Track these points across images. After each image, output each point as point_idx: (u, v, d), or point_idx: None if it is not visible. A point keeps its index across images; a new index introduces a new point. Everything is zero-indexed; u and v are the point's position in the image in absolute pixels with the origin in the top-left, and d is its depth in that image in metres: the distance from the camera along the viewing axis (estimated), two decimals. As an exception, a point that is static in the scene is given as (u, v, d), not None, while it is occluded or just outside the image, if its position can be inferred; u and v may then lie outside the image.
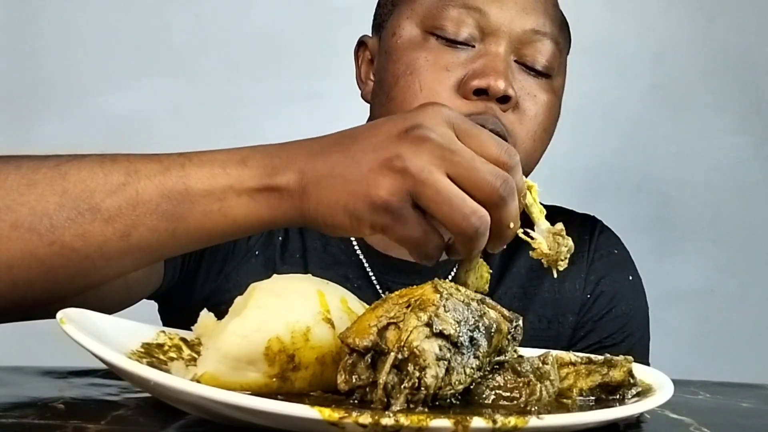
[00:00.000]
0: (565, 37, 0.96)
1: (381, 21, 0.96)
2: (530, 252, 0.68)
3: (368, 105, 0.98)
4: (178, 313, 0.73)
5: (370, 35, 0.99)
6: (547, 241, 0.67)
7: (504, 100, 0.86)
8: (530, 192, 0.67)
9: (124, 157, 0.65)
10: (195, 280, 0.91)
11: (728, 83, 1.91)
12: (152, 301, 0.93)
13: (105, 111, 1.83)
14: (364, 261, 0.95)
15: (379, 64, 0.94)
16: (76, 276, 0.63)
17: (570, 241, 0.67)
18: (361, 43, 0.99)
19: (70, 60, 1.83)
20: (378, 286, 0.93)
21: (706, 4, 1.92)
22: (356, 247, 0.95)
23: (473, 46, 0.88)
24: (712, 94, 1.91)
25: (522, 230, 0.65)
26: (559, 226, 0.68)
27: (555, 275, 0.69)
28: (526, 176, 0.88)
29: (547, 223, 0.68)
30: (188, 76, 1.85)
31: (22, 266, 0.62)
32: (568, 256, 0.67)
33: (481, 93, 0.86)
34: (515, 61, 0.89)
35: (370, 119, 0.95)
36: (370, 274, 0.94)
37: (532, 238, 0.66)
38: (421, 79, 0.87)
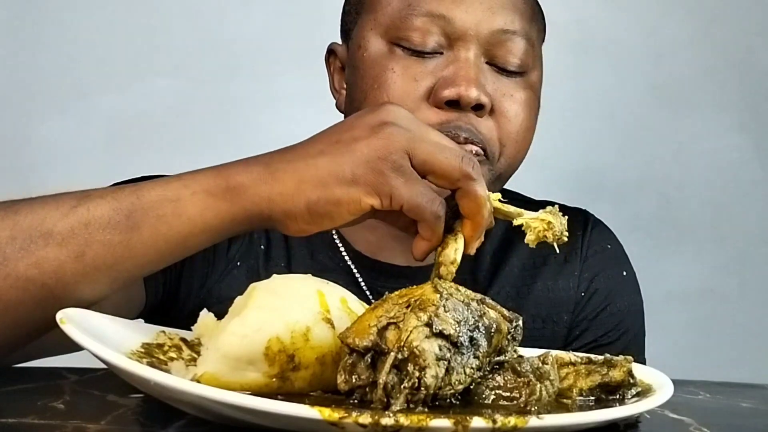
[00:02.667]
0: (538, 27, 0.92)
1: (347, 29, 0.93)
2: (529, 239, 0.69)
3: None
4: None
5: (339, 42, 0.96)
6: (542, 221, 0.69)
7: (478, 107, 0.84)
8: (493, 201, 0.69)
9: (80, 190, 0.64)
10: (177, 297, 0.90)
11: (728, 83, 1.91)
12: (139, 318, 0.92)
13: (105, 111, 1.83)
14: (352, 267, 0.93)
15: (347, 77, 0.92)
16: (35, 309, 0.62)
17: (563, 217, 0.69)
18: (331, 51, 0.96)
19: (70, 60, 1.83)
20: (368, 292, 0.92)
21: (706, 4, 1.92)
22: (344, 253, 0.93)
23: (441, 53, 0.85)
24: (712, 94, 1.91)
25: (521, 219, 0.69)
26: (549, 207, 0.70)
27: (557, 251, 0.71)
28: (512, 174, 0.90)
29: (532, 212, 0.70)
30: (188, 76, 1.85)
31: None
32: (566, 228, 0.69)
33: (453, 103, 0.83)
34: (487, 62, 0.86)
35: None
36: (360, 280, 0.92)
37: (527, 226, 0.69)
38: (390, 93, 0.84)
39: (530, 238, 0.68)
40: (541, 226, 0.68)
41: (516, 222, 0.69)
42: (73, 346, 0.54)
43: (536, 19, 0.92)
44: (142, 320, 0.92)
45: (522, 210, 0.69)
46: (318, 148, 0.63)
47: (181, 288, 0.90)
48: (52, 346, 0.73)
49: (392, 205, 0.61)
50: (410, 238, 0.89)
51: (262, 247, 0.93)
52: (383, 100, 0.84)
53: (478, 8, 0.85)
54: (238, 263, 0.91)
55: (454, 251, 0.63)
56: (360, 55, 0.88)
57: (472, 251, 0.65)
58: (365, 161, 0.60)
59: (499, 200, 0.68)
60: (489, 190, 0.73)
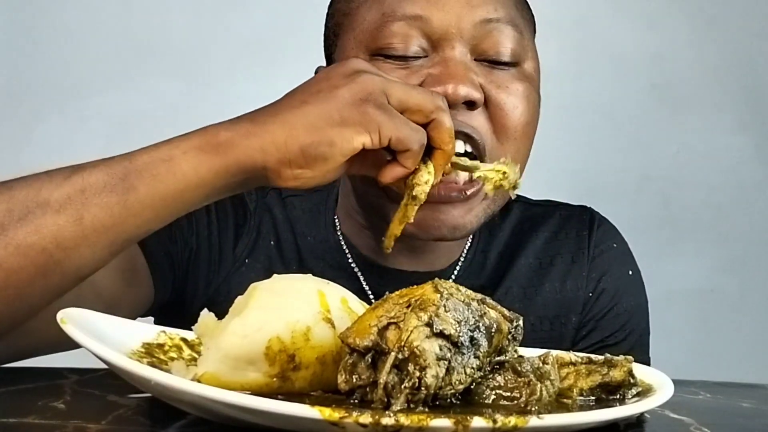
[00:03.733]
0: (525, 17, 0.88)
1: (329, 53, 0.91)
2: (487, 188, 0.76)
3: None
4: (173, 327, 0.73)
5: (325, 65, 0.93)
6: (498, 166, 0.76)
7: (469, 105, 0.81)
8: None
9: (68, 165, 0.66)
10: (184, 297, 0.90)
11: (728, 83, 1.91)
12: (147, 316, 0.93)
13: (105, 111, 1.83)
14: (357, 271, 0.92)
15: None
16: (36, 275, 0.63)
17: (517, 166, 0.77)
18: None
19: (70, 60, 1.84)
20: (372, 297, 0.91)
21: (706, 4, 1.92)
22: (349, 258, 0.93)
23: (426, 56, 0.82)
24: (712, 94, 1.91)
25: (479, 171, 0.76)
26: (503, 158, 0.78)
27: (513, 197, 0.78)
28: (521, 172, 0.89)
29: (488, 164, 0.77)
30: (188, 76, 1.85)
31: None
32: (519, 177, 0.76)
33: None
34: (476, 59, 0.83)
35: None
36: (365, 285, 0.92)
37: (482, 170, 0.76)
38: None
39: (488, 188, 0.76)
40: (497, 176, 0.75)
41: (475, 174, 0.76)
42: (72, 343, 0.55)
43: (522, 8, 0.89)
44: (153, 318, 0.93)
45: (477, 162, 0.76)
46: (300, 99, 0.67)
47: (188, 287, 0.90)
48: (51, 344, 0.73)
49: (381, 140, 0.66)
50: (413, 244, 0.90)
51: (272, 243, 0.93)
52: None
53: (456, 4, 0.82)
54: (246, 260, 0.91)
55: (427, 173, 0.70)
56: None
57: (438, 173, 0.70)
58: (350, 103, 0.65)
59: (456, 154, 0.74)
60: (498, 204, 0.82)
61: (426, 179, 0.70)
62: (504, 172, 0.74)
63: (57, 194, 0.63)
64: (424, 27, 0.81)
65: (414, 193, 0.70)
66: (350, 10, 0.87)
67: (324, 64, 0.95)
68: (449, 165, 0.73)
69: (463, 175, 0.81)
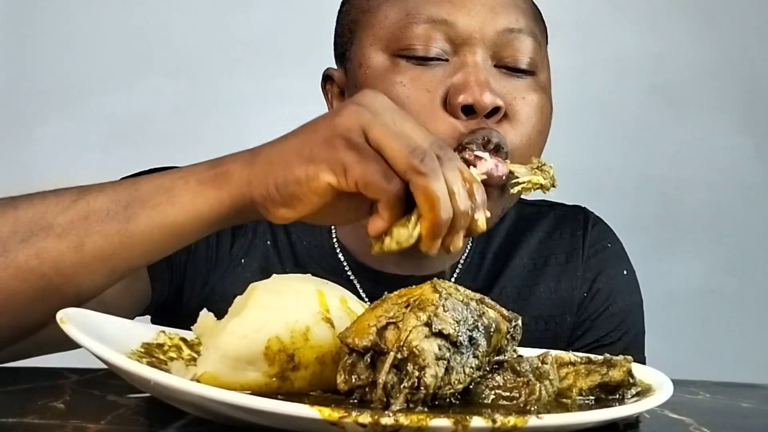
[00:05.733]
0: (541, 28, 0.90)
1: (343, 51, 0.90)
2: (521, 191, 0.75)
3: None
4: (169, 326, 0.73)
5: (335, 66, 0.93)
6: (535, 177, 0.74)
7: (493, 112, 0.81)
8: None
9: (78, 186, 0.66)
10: (181, 296, 0.90)
11: (728, 83, 1.91)
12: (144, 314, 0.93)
13: (105, 111, 1.83)
14: (351, 276, 0.92)
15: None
16: (35, 299, 0.63)
17: (551, 164, 0.76)
18: (327, 77, 0.92)
19: (71, 60, 1.84)
20: (368, 303, 0.91)
21: (706, 4, 1.92)
22: (344, 263, 0.92)
23: (447, 60, 0.82)
24: (712, 94, 1.91)
25: (513, 182, 0.75)
26: (535, 159, 0.77)
27: (545, 192, 0.77)
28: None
29: (523, 166, 0.76)
30: (188, 76, 1.85)
31: None
32: (556, 176, 0.76)
33: (469, 109, 0.80)
34: (495, 65, 0.83)
35: None
36: (359, 289, 0.91)
37: (523, 181, 0.75)
38: (408, 108, 0.80)
39: (524, 190, 0.76)
40: (533, 188, 0.75)
41: (513, 189, 0.76)
42: (72, 344, 0.55)
43: (538, 20, 0.90)
44: (150, 318, 0.93)
45: (515, 166, 0.77)
46: (295, 132, 0.64)
47: (185, 287, 0.90)
48: (51, 343, 0.73)
49: (348, 182, 0.59)
50: (410, 249, 0.89)
51: (268, 242, 0.93)
52: None
53: (481, 10, 0.82)
54: (242, 260, 0.91)
55: (407, 233, 0.58)
56: (362, 73, 0.85)
57: (427, 251, 0.59)
58: (323, 139, 0.60)
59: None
60: (507, 206, 0.77)
61: (401, 238, 0.58)
62: (540, 185, 0.75)
63: (61, 219, 0.63)
64: (448, 31, 0.82)
65: (385, 246, 0.59)
66: (370, 8, 0.86)
67: (330, 64, 0.94)
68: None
69: None
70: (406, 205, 0.59)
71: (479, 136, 0.80)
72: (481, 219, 0.60)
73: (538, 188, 0.74)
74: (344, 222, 0.66)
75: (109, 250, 0.63)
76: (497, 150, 0.80)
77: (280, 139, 0.65)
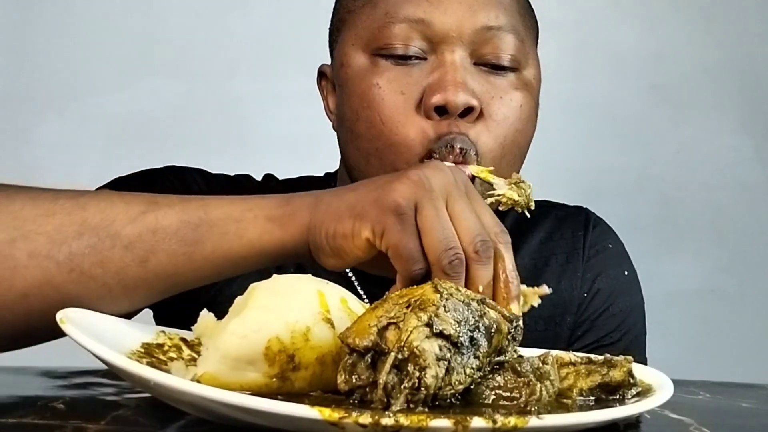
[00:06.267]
0: (528, 24, 0.89)
1: (331, 50, 0.92)
2: (499, 206, 0.73)
3: None
4: (172, 324, 0.73)
5: (329, 64, 0.94)
6: (509, 192, 0.74)
7: (466, 112, 0.81)
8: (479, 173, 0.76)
9: (144, 194, 0.66)
10: (187, 293, 0.90)
11: (728, 83, 1.91)
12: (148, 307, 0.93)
13: (105, 111, 1.83)
14: (353, 278, 0.92)
15: (337, 97, 0.90)
16: (89, 305, 0.63)
17: (529, 183, 0.75)
18: (322, 74, 0.94)
19: (70, 60, 1.84)
20: (368, 304, 0.91)
21: (706, 4, 1.92)
22: (349, 271, 0.92)
23: (425, 59, 0.83)
24: (712, 94, 1.91)
25: (488, 194, 0.73)
26: (515, 174, 0.76)
27: (528, 215, 0.75)
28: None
29: (502, 179, 0.75)
30: (188, 76, 1.85)
31: (38, 295, 0.61)
32: (533, 197, 0.74)
33: (442, 110, 0.81)
34: (475, 63, 0.84)
35: (340, 152, 0.92)
36: (361, 292, 0.91)
37: (498, 194, 0.74)
38: (380, 111, 0.82)
39: (501, 209, 0.74)
40: (508, 202, 0.74)
41: (488, 199, 0.74)
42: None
43: (525, 15, 0.89)
44: (152, 313, 0.93)
45: (495, 179, 0.76)
46: (356, 186, 0.65)
47: None
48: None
49: (382, 245, 0.61)
50: None
51: None
52: (375, 119, 0.83)
53: (458, 8, 0.83)
54: None
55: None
56: (344, 72, 0.87)
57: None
58: (375, 199, 0.61)
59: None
60: (508, 206, 0.78)
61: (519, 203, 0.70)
62: (514, 200, 0.74)
63: (129, 230, 0.63)
64: (425, 30, 0.82)
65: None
66: (354, 8, 0.88)
67: (328, 62, 0.95)
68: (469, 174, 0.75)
69: None
70: None
71: (443, 143, 0.80)
72: (514, 309, 0.62)
73: (511, 204, 0.74)
74: (386, 274, 0.66)
75: (171, 270, 0.63)
76: (463, 155, 0.80)
77: (343, 189, 0.65)
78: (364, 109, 0.84)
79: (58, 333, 0.65)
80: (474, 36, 0.83)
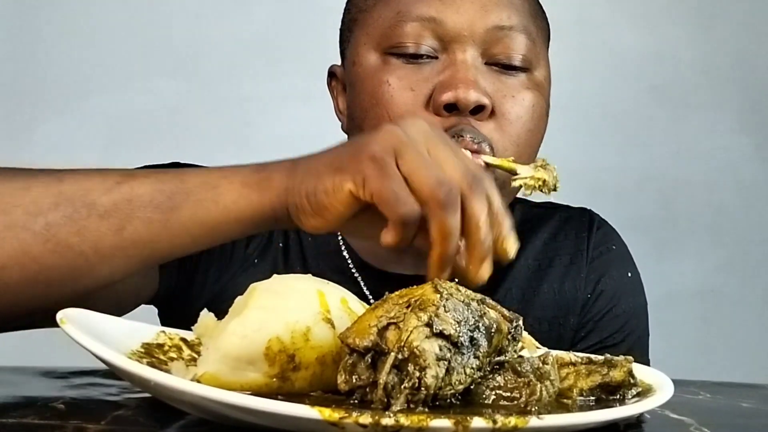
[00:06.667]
0: (539, 25, 0.89)
1: (343, 49, 0.92)
2: (525, 188, 0.74)
3: None
4: (176, 321, 0.73)
5: (340, 63, 0.94)
6: (537, 173, 0.74)
7: (477, 110, 0.81)
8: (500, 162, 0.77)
9: (121, 168, 0.67)
10: (192, 288, 0.90)
11: (728, 83, 1.91)
12: (152, 304, 0.93)
13: (105, 111, 1.83)
14: (357, 276, 0.92)
15: (348, 97, 0.91)
16: (68, 276, 0.63)
17: (554, 165, 0.76)
18: (332, 74, 0.95)
19: (70, 60, 1.84)
20: (373, 302, 0.91)
21: (706, 4, 1.92)
22: (349, 262, 0.93)
23: (437, 58, 0.83)
24: (712, 94, 1.91)
25: (518, 180, 0.75)
26: (539, 159, 0.77)
27: (548, 194, 0.76)
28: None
29: (525, 165, 0.76)
30: (188, 76, 1.85)
31: (16, 266, 0.62)
32: (560, 178, 0.75)
33: (452, 107, 0.81)
34: (486, 63, 0.84)
35: None
36: (365, 290, 0.91)
37: (524, 177, 0.75)
38: (389, 108, 0.82)
39: (527, 192, 0.75)
40: (536, 183, 0.74)
41: (515, 182, 0.75)
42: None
43: (537, 16, 0.90)
44: (157, 310, 0.93)
45: (515, 164, 0.76)
46: (334, 147, 0.65)
47: (197, 280, 0.90)
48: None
49: (365, 193, 0.60)
50: (414, 249, 0.90)
51: (280, 245, 0.93)
52: (383, 116, 0.82)
53: (470, 8, 0.83)
54: (256, 260, 0.92)
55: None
56: (355, 71, 0.87)
57: (431, 275, 0.61)
58: (353, 152, 0.62)
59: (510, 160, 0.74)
60: (534, 190, 0.79)
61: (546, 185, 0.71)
62: (543, 180, 0.74)
63: (105, 199, 0.63)
64: (436, 28, 0.82)
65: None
66: (367, 7, 0.88)
67: (330, 63, 0.95)
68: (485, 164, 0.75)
69: None
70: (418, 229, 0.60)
71: (451, 134, 0.80)
72: (509, 246, 0.63)
73: (540, 185, 0.74)
74: (366, 237, 0.67)
75: (147, 237, 0.64)
76: (477, 145, 0.80)
77: (320, 151, 0.66)
78: (374, 106, 0.84)
79: (35, 315, 0.65)
80: (485, 35, 0.83)
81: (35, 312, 0.66)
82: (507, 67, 0.84)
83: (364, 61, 0.86)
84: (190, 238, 0.65)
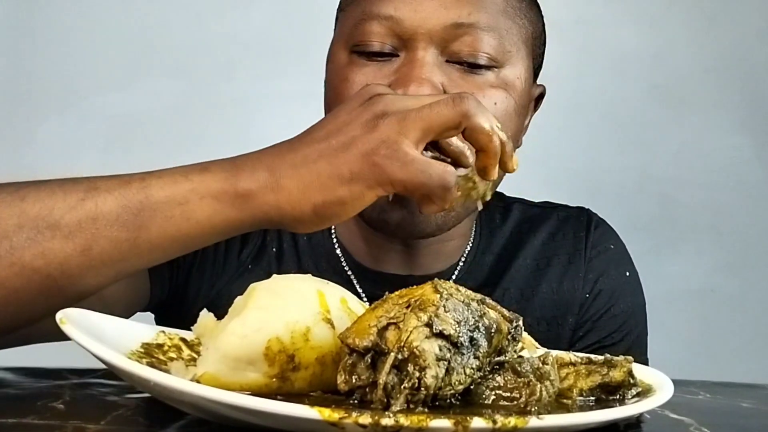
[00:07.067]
0: (517, 23, 0.86)
1: None
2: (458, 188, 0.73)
3: None
4: (173, 327, 0.73)
5: None
6: (468, 183, 0.73)
7: None
8: None
9: (86, 178, 0.65)
10: (186, 296, 0.90)
11: (728, 83, 1.91)
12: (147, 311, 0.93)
13: (105, 111, 1.83)
14: (352, 277, 0.92)
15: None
16: (38, 297, 0.63)
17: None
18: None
19: (70, 60, 1.84)
20: (368, 303, 0.91)
21: (706, 4, 1.92)
22: (343, 262, 0.92)
23: (398, 56, 0.82)
24: (712, 94, 1.91)
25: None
26: (465, 170, 0.75)
27: (480, 207, 0.75)
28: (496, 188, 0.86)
29: (461, 170, 0.74)
30: (188, 76, 1.85)
31: None
32: (490, 188, 0.74)
33: None
34: (449, 61, 0.82)
35: None
36: (360, 290, 0.91)
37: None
38: None
39: (459, 193, 0.73)
40: (466, 184, 0.72)
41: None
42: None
43: (514, 14, 0.87)
44: (153, 315, 0.93)
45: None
46: (317, 150, 0.63)
47: (190, 287, 0.90)
48: (53, 333, 0.73)
49: (395, 190, 0.62)
50: (408, 249, 0.90)
51: (274, 249, 0.93)
52: None
53: (428, 5, 0.82)
54: (250, 266, 0.91)
55: (470, 182, 0.69)
56: (328, 68, 0.88)
57: (493, 176, 0.66)
58: (360, 157, 0.61)
59: None
60: (464, 196, 0.77)
61: (476, 189, 0.70)
62: (474, 181, 0.72)
63: (68, 218, 0.62)
64: (395, 27, 0.82)
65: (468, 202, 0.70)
66: (344, 6, 0.90)
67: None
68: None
69: None
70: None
71: None
72: (514, 161, 0.67)
73: (471, 187, 0.72)
74: (349, 217, 0.66)
75: (117, 256, 0.63)
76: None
77: (300, 153, 0.64)
78: (335, 103, 0.83)
79: (13, 333, 0.65)
80: (444, 33, 0.82)
81: (8, 331, 0.66)
82: (472, 66, 0.83)
83: (335, 58, 0.87)
84: (162, 252, 0.65)
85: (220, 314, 0.62)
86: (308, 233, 0.93)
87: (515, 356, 0.58)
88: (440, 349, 0.52)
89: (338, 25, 0.90)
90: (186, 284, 0.90)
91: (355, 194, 0.62)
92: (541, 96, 0.95)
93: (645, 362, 0.92)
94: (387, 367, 0.51)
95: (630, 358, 0.61)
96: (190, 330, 0.65)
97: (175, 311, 0.90)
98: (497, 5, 0.85)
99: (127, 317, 0.83)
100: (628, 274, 1.00)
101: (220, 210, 0.63)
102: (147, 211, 0.62)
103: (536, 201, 1.03)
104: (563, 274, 0.96)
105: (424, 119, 0.62)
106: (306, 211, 0.62)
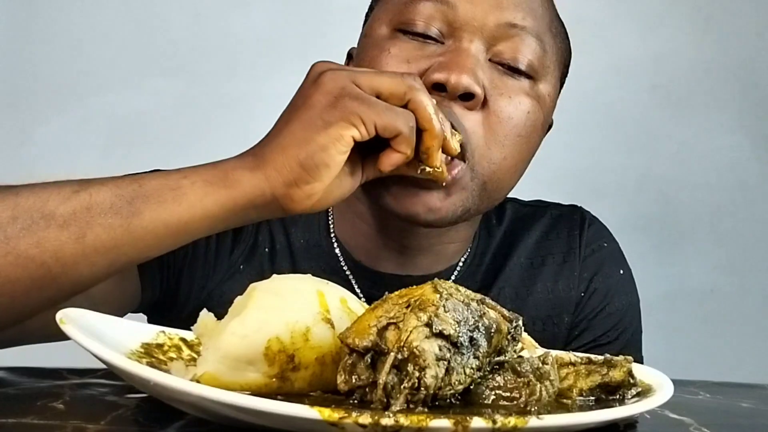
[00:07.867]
0: (557, 44, 0.88)
1: (365, 23, 0.92)
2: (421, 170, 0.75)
3: None
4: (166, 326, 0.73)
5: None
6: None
7: (466, 97, 0.78)
8: None
9: (78, 178, 0.67)
10: (177, 297, 0.90)
11: (728, 83, 1.91)
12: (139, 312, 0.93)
13: (105, 111, 1.83)
14: (350, 277, 0.92)
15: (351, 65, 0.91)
16: (32, 287, 0.63)
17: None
18: (350, 56, 0.94)
19: (71, 60, 1.84)
20: (366, 303, 0.91)
21: (706, 4, 1.92)
22: (341, 261, 0.92)
23: (443, 43, 0.81)
24: (712, 94, 1.91)
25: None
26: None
27: (444, 185, 0.78)
28: (502, 186, 0.85)
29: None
30: (188, 76, 1.85)
31: None
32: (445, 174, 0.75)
33: (441, 88, 0.78)
34: (490, 60, 0.82)
35: None
36: (357, 290, 0.91)
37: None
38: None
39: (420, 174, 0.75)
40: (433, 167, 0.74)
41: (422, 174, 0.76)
42: (61, 335, 0.55)
43: (556, 35, 0.87)
44: (146, 317, 0.93)
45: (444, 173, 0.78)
46: (285, 120, 0.68)
47: (181, 288, 0.90)
48: (37, 333, 0.73)
49: (368, 130, 0.66)
50: (408, 249, 0.90)
51: (266, 249, 0.92)
52: None
53: (486, 0, 0.81)
54: (241, 267, 0.91)
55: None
56: (364, 42, 0.87)
57: (437, 162, 0.71)
58: (327, 105, 0.66)
59: None
60: (476, 203, 0.81)
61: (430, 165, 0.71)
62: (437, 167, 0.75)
63: (62, 209, 0.63)
64: (448, 12, 0.81)
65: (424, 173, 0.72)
66: None
67: (339, 40, 0.96)
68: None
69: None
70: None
71: None
72: (455, 143, 0.73)
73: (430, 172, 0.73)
74: (345, 192, 0.71)
75: (110, 243, 0.64)
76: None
77: (273, 132, 0.69)
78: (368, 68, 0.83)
79: (12, 318, 0.65)
80: (495, 30, 0.81)
81: (8, 322, 0.66)
82: (511, 69, 0.82)
83: (374, 33, 0.85)
84: (156, 240, 0.65)
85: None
86: (306, 234, 0.94)
87: (515, 356, 0.58)
88: (440, 349, 0.52)
89: (381, 3, 0.88)
90: (177, 285, 0.90)
91: (333, 136, 0.65)
92: (549, 127, 0.93)
93: (640, 360, 0.93)
94: (387, 367, 0.51)
95: (630, 358, 0.61)
96: (191, 329, 0.65)
97: (166, 312, 0.90)
98: (546, 20, 0.85)
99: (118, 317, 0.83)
100: (622, 272, 1.00)
101: (212, 191, 0.65)
102: (140, 198, 0.64)
103: (528, 200, 1.03)
104: (558, 273, 0.96)
105: (374, 79, 0.68)
106: (293, 168, 0.65)
